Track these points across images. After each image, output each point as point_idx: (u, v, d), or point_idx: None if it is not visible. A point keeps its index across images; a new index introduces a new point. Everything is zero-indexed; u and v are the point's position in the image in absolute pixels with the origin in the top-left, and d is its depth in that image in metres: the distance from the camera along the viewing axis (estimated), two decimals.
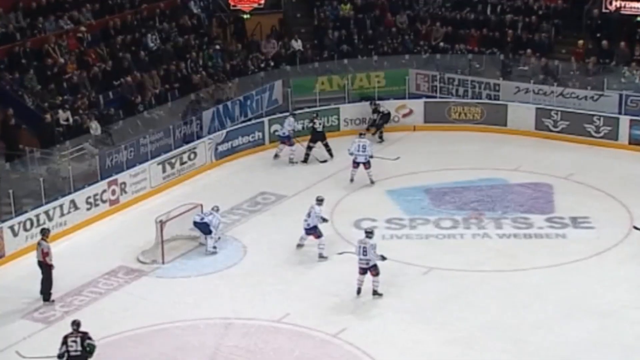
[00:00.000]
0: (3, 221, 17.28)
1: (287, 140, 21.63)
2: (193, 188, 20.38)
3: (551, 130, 22.80)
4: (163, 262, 16.95)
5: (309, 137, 21.81)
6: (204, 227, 17.25)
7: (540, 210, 18.84)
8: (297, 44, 25.11)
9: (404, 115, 23.78)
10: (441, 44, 25.17)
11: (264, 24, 25.57)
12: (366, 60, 24.73)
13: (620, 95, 22.25)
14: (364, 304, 15.35)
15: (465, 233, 18.02)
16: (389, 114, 23.00)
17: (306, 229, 16.91)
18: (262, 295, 15.78)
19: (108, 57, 22.19)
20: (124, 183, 19.49)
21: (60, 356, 12.89)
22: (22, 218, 17.44)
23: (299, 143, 21.54)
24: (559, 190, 19.77)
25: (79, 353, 12.96)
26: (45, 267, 15.50)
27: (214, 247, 17.17)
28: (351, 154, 20.01)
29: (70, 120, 20.10)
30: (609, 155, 21.59)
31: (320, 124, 21.84)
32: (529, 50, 23.97)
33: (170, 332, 14.69)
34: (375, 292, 15.28)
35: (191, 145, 21.13)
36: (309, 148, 21.57)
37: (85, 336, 13.01)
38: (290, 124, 21.67)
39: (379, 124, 22.88)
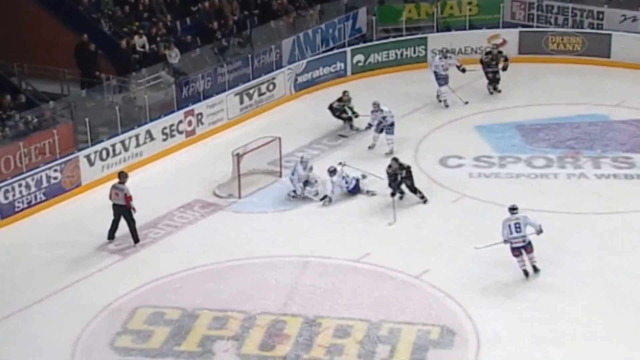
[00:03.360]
0: (79, 150, 17.66)
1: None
2: (271, 120, 20.37)
3: None
4: (240, 197, 17.07)
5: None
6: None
7: None
8: None
9: (497, 46, 23.06)
10: None
11: None
12: None
13: None
14: (448, 245, 15.16)
15: (559, 173, 17.57)
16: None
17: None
18: (342, 234, 15.76)
19: None
20: (201, 114, 19.60)
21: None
22: (98, 147, 17.77)
23: None
24: None
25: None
26: (127, 211, 15.36)
27: (294, 192, 16.83)
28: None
29: (147, 47, 20.20)
30: None
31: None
32: None
33: (246, 268, 14.84)
34: (535, 268, 14.29)
35: (270, 75, 21.05)
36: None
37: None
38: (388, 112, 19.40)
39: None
